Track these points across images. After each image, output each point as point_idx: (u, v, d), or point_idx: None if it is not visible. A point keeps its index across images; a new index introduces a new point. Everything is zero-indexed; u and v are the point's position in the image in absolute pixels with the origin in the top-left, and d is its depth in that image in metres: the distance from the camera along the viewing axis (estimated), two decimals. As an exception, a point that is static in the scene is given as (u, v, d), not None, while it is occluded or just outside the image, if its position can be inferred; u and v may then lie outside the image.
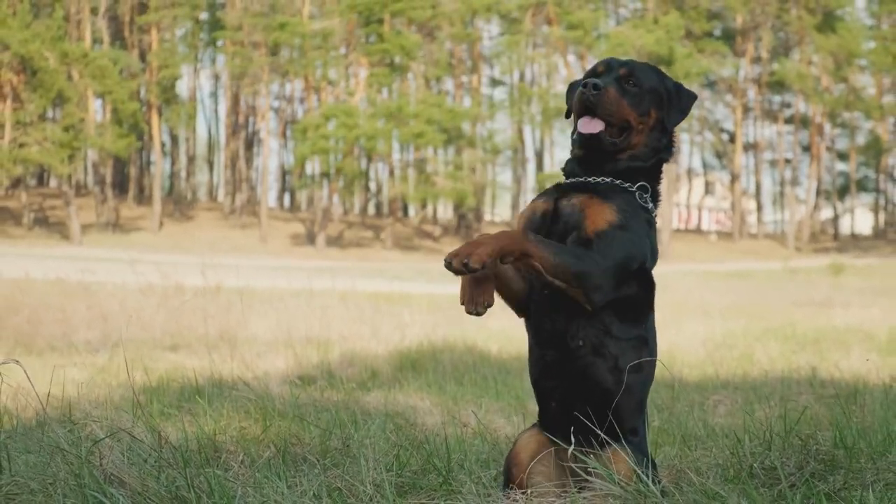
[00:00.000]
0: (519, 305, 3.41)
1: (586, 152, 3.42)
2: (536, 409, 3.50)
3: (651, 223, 3.39)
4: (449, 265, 3.08)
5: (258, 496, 3.29)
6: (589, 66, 3.62)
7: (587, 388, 3.29)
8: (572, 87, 3.61)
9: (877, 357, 10.37)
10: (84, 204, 63.42)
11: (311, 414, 5.73)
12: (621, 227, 3.25)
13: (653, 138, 3.45)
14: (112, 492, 3.19)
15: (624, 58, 3.53)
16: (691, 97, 3.56)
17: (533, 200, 3.49)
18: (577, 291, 3.19)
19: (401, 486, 3.66)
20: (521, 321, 3.47)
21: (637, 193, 3.39)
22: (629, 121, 3.38)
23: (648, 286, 3.37)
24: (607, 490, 3.16)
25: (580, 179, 3.41)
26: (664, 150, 3.49)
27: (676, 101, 3.50)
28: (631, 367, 3.29)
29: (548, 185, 3.61)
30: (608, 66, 3.47)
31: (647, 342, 3.37)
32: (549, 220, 3.35)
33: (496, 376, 8.47)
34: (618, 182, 3.39)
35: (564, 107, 3.64)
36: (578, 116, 3.39)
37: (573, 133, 3.47)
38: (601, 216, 3.26)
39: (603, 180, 3.38)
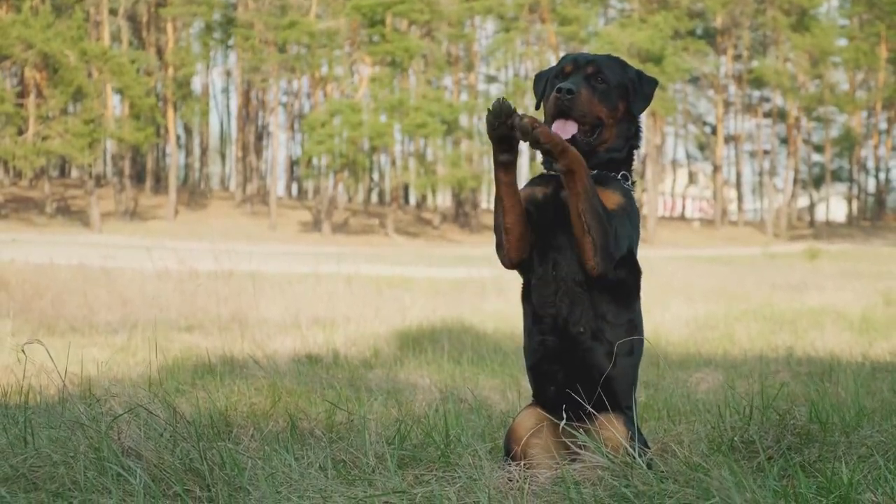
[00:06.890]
0: (520, 245, 3.33)
1: None
2: (530, 386, 3.50)
3: (637, 208, 3.43)
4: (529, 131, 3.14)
5: (267, 468, 3.29)
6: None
7: (585, 372, 3.31)
8: (538, 78, 3.61)
9: (849, 336, 10.36)
10: (104, 194, 63.20)
11: (318, 390, 5.73)
12: (625, 210, 3.30)
13: (622, 128, 3.46)
14: (130, 464, 3.18)
15: (589, 54, 3.50)
16: (653, 83, 3.54)
17: (528, 185, 3.46)
18: (589, 246, 3.18)
19: (402, 459, 3.66)
20: (517, 308, 3.46)
21: (620, 181, 3.42)
22: (601, 118, 3.39)
23: (636, 272, 3.41)
24: (597, 462, 3.16)
25: None
26: (633, 137, 3.51)
27: (640, 89, 3.49)
28: (624, 351, 3.32)
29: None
30: (575, 64, 3.45)
31: (636, 326, 3.41)
32: (552, 205, 3.32)
33: (492, 355, 8.46)
34: (604, 172, 3.39)
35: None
36: (553, 119, 3.37)
37: None
38: (609, 199, 3.28)
39: (595, 172, 3.37)
